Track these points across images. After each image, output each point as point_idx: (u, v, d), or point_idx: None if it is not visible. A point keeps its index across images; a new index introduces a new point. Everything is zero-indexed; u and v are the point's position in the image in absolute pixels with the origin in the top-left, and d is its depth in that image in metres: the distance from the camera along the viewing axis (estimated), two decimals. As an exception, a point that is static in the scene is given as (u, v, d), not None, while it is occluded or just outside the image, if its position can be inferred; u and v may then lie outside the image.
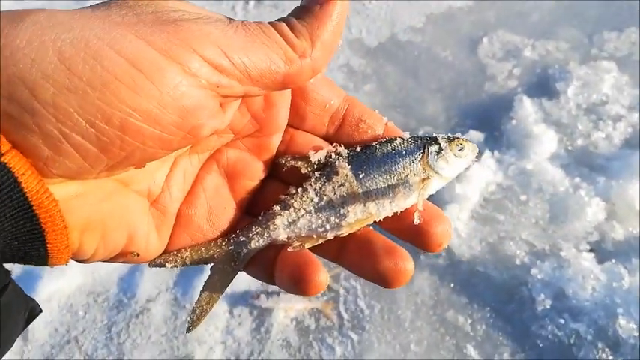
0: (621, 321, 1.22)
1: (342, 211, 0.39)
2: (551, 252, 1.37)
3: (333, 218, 0.39)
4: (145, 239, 0.35)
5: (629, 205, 1.42)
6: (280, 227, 0.39)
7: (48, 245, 0.27)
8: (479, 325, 1.29)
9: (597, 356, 1.21)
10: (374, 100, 1.75)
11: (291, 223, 0.39)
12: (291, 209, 0.39)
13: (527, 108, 1.66)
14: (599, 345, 1.22)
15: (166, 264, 0.38)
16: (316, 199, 0.39)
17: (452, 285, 1.35)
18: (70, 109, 0.25)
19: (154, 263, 0.37)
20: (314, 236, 0.39)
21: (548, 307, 1.28)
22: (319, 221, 0.39)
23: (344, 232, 0.39)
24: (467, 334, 1.28)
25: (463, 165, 0.41)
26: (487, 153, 1.52)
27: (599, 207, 1.42)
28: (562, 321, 1.26)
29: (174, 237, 0.38)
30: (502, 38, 1.95)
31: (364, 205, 0.39)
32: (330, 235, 0.39)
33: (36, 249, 0.27)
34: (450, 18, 2.04)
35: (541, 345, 1.24)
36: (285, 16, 0.33)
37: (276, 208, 0.40)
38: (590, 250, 1.36)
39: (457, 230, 1.41)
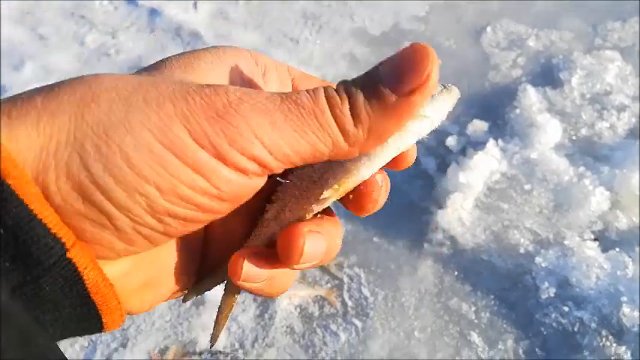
0: (625, 309, 1.23)
1: (322, 181, 0.37)
2: (555, 241, 1.37)
3: (317, 190, 0.37)
4: (187, 279, 0.36)
5: (633, 195, 1.42)
6: (271, 220, 0.38)
7: (103, 321, 0.28)
8: (483, 313, 1.29)
9: (601, 344, 1.21)
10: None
11: (280, 212, 0.39)
12: (279, 200, 0.39)
13: (531, 97, 1.65)
14: (603, 333, 1.22)
15: (196, 296, 0.38)
16: (298, 182, 0.38)
17: (455, 273, 1.35)
18: (142, 211, 0.27)
19: (187, 299, 0.38)
20: (305, 216, 0.38)
21: (552, 295, 1.28)
22: (304, 199, 0.38)
23: (330, 199, 0.36)
24: (471, 321, 1.28)
25: (440, 105, 0.35)
26: (491, 142, 1.52)
27: (604, 196, 1.42)
28: (566, 309, 1.26)
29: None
30: (506, 28, 1.94)
31: (343, 167, 0.36)
32: (318, 208, 0.37)
33: (92, 325, 0.28)
34: (453, 7, 2.02)
35: (545, 333, 1.25)
36: (353, 85, 0.29)
37: (267, 205, 0.39)
38: (595, 239, 1.36)
39: (461, 219, 1.41)
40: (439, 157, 1.56)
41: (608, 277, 1.28)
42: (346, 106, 0.28)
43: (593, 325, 1.24)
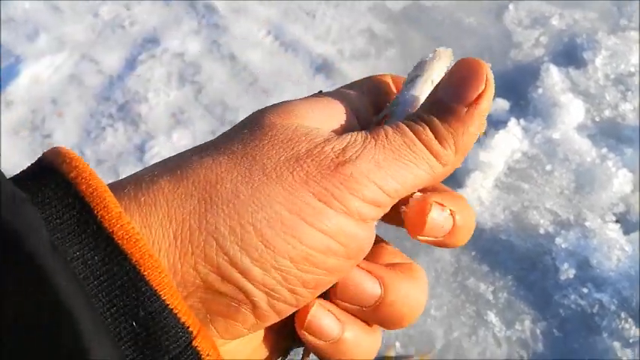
0: (646, 292, 1.21)
1: None
2: (575, 222, 1.35)
3: None
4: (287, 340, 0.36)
5: (657, 178, 1.39)
6: None
7: None
8: (500, 293, 1.28)
9: (620, 326, 1.20)
10: (396, 66, 1.71)
11: None
12: None
13: (554, 77, 1.62)
14: (622, 315, 1.21)
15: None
16: None
17: (473, 253, 1.34)
18: (277, 285, 0.27)
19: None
20: None
21: (571, 276, 1.26)
22: None
23: None
24: (488, 301, 1.27)
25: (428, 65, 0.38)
26: (513, 121, 1.49)
27: (626, 178, 1.39)
28: (585, 291, 1.25)
29: None
30: (529, 6, 1.89)
31: None
32: None
33: None
34: (475, -16, 1.97)
35: (563, 314, 1.23)
36: (425, 113, 0.31)
37: None
38: (616, 221, 1.34)
39: (480, 198, 1.39)
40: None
41: (629, 259, 1.27)
42: (428, 131, 0.30)
43: (613, 307, 1.23)
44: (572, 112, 1.52)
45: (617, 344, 1.18)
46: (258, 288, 0.27)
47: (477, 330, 1.24)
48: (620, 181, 1.38)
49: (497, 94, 1.54)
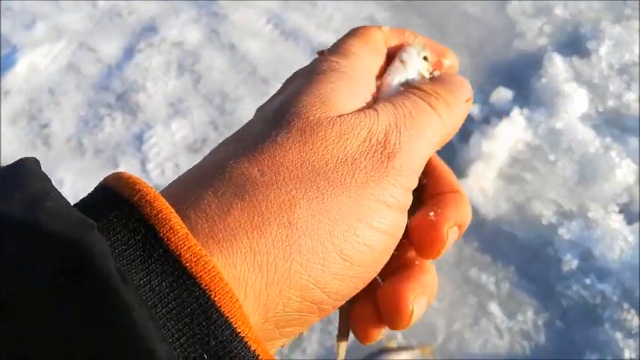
0: (649, 283, 1.20)
1: None
2: (578, 213, 1.34)
3: None
4: None
5: (660, 168, 1.38)
6: None
7: None
8: (502, 284, 1.27)
9: (622, 317, 1.20)
10: (398, 55, 1.69)
11: None
12: None
13: (558, 66, 1.60)
14: (625, 306, 1.21)
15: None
16: None
17: (475, 244, 1.33)
18: (347, 292, 0.28)
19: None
20: None
21: (574, 267, 1.26)
22: None
23: None
24: (490, 293, 1.26)
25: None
26: (515, 111, 1.48)
27: (630, 169, 1.38)
28: (588, 282, 1.24)
29: None
30: (532, -6, 1.87)
31: None
32: None
33: None
34: (477, -28, 1.95)
35: (565, 305, 1.23)
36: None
37: None
38: (619, 212, 1.33)
39: (483, 189, 1.38)
40: (462, 125, 1.52)
41: (632, 250, 1.26)
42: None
43: (615, 298, 1.22)
44: (576, 101, 1.50)
45: (619, 335, 1.18)
46: (332, 297, 0.27)
47: (479, 321, 1.23)
48: (624, 172, 1.37)
49: (501, 84, 1.51)
